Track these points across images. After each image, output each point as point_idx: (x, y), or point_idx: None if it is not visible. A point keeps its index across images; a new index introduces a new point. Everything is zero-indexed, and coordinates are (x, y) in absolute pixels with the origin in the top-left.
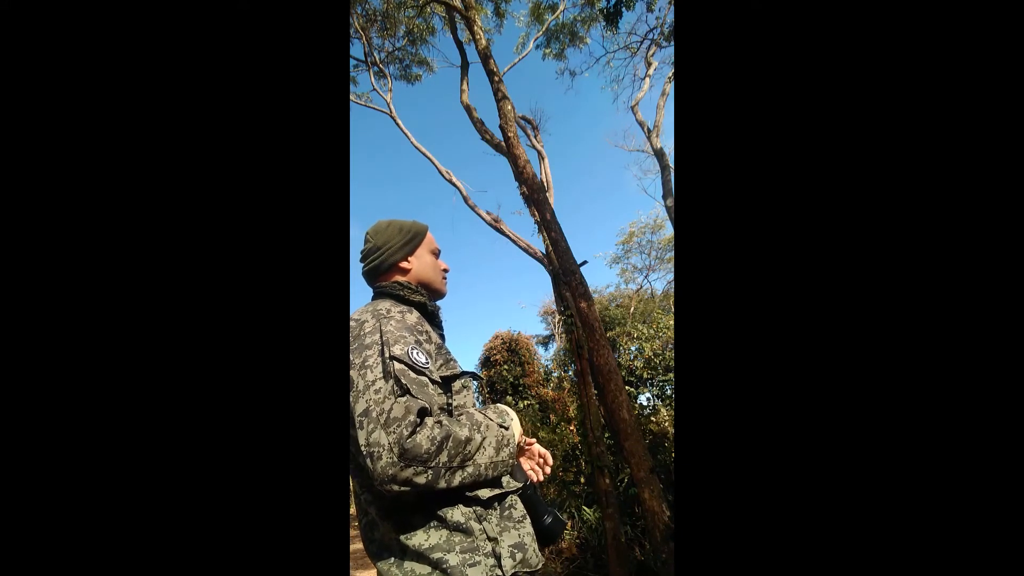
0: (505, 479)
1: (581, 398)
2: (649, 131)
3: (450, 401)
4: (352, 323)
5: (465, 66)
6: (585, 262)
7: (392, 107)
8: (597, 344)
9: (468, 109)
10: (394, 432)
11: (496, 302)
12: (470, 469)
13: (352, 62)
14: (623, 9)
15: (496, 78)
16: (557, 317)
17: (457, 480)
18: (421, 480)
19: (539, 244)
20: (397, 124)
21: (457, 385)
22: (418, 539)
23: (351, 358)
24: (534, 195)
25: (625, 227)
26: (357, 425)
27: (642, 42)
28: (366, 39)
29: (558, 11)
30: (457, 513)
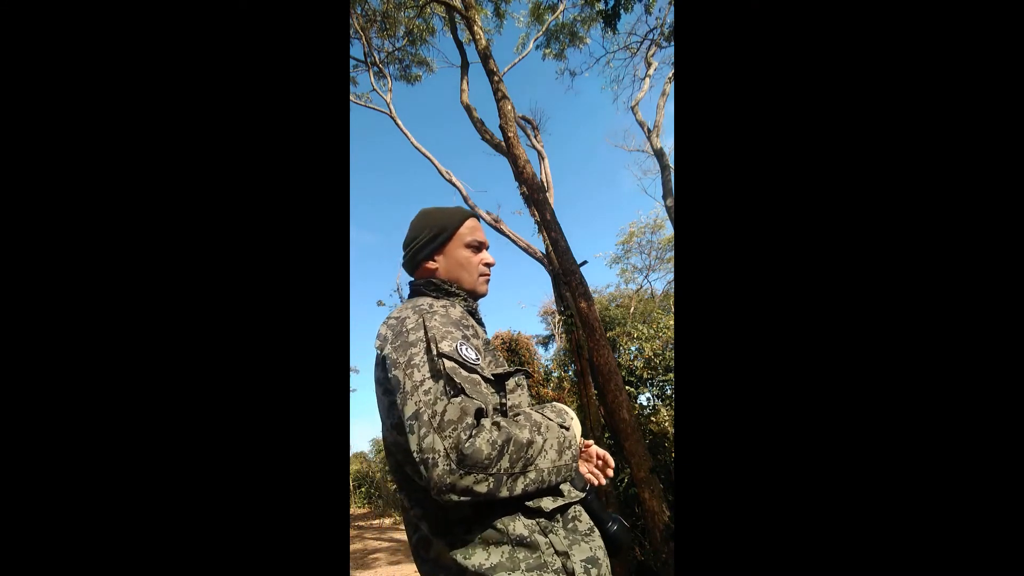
0: (566, 487)
1: (581, 398)
2: (649, 131)
3: (504, 401)
4: (392, 320)
5: (465, 66)
6: (585, 262)
7: (392, 107)
8: (597, 344)
9: (468, 109)
10: (450, 436)
11: (496, 302)
12: (532, 475)
13: (352, 62)
14: (621, 11)
15: (496, 78)
16: (557, 317)
17: (520, 487)
18: (482, 489)
19: (539, 244)
20: (397, 124)
21: (511, 383)
22: (478, 558)
23: (394, 357)
24: (534, 195)
25: (625, 227)
26: (407, 430)
27: (642, 42)
28: (366, 39)
29: (558, 11)
30: (519, 526)
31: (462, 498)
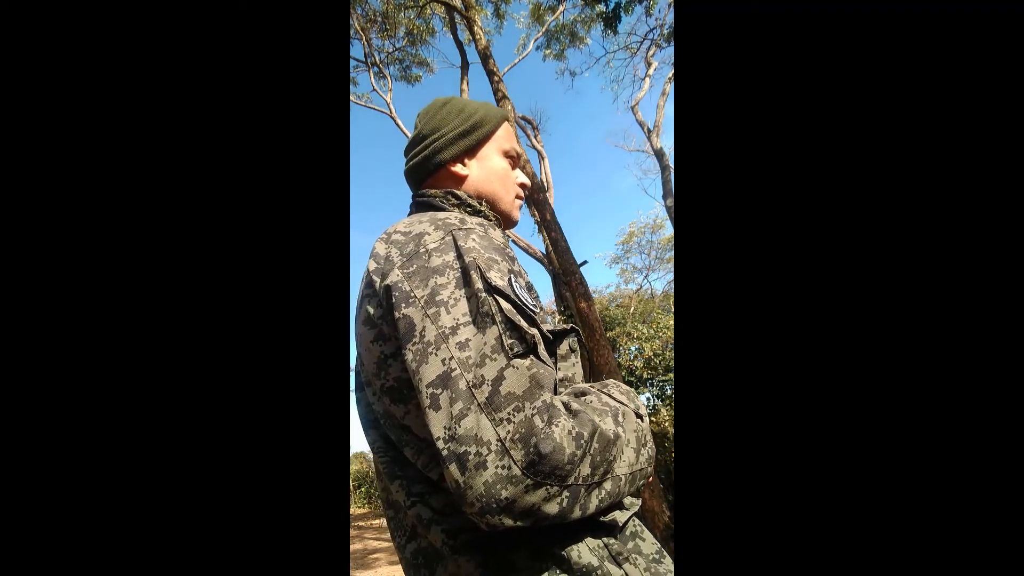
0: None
1: None
2: (649, 131)
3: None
4: (397, 236)
5: (465, 66)
6: (585, 262)
7: (392, 107)
8: (597, 344)
9: None
10: (510, 421)
11: None
12: (608, 486)
13: (352, 63)
14: (622, 13)
15: (496, 78)
16: (557, 317)
17: (594, 504)
18: (552, 509)
19: (539, 244)
20: (397, 124)
21: (563, 347)
22: None
23: (406, 287)
24: (534, 195)
25: (625, 227)
26: (426, 403)
27: (642, 43)
28: (366, 40)
29: (558, 12)
30: (584, 551)
31: (519, 523)
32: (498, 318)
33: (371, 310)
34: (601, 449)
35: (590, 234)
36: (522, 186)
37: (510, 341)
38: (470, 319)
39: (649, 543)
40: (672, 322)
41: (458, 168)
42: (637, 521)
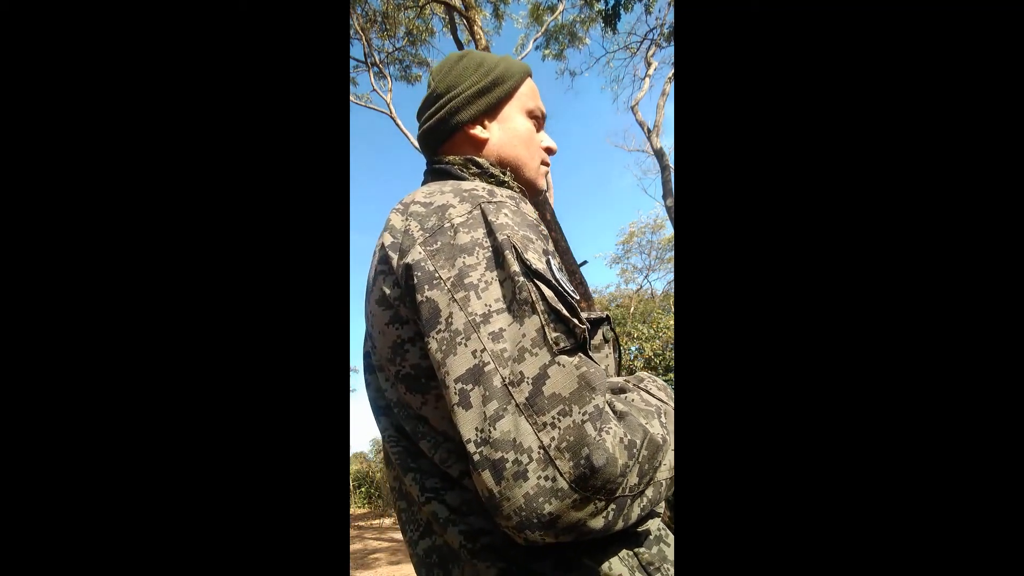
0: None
1: None
2: (649, 131)
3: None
4: (416, 207)
5: None
6: (585, 262)
7: (392, 108)
8: None
9: None
10: (556, 427)
11: None
12: (650, 493)
13: (352, 63)
14: (621, 11)
15: None
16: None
17: (636, 514)
18: (598, 524)
19: None
20: (397, 125)
21: (597, 337)
22: None
23: (429, 266)
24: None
25: (625, 227)
26: (455, 400)
27: (642, 42)
28: (366, 40)
29: (557, 12)
30: (616, 563)
31: (561, 538)
32: (539, 307)
33: (387, 290)
34: (650, 456)
35: (590, 234)
36: (547, 150)
37: (555, 335)
38: (504, 306)
39: (673, 548)
40: (672, 322)
41: (477, 131)
42: (661, 524)
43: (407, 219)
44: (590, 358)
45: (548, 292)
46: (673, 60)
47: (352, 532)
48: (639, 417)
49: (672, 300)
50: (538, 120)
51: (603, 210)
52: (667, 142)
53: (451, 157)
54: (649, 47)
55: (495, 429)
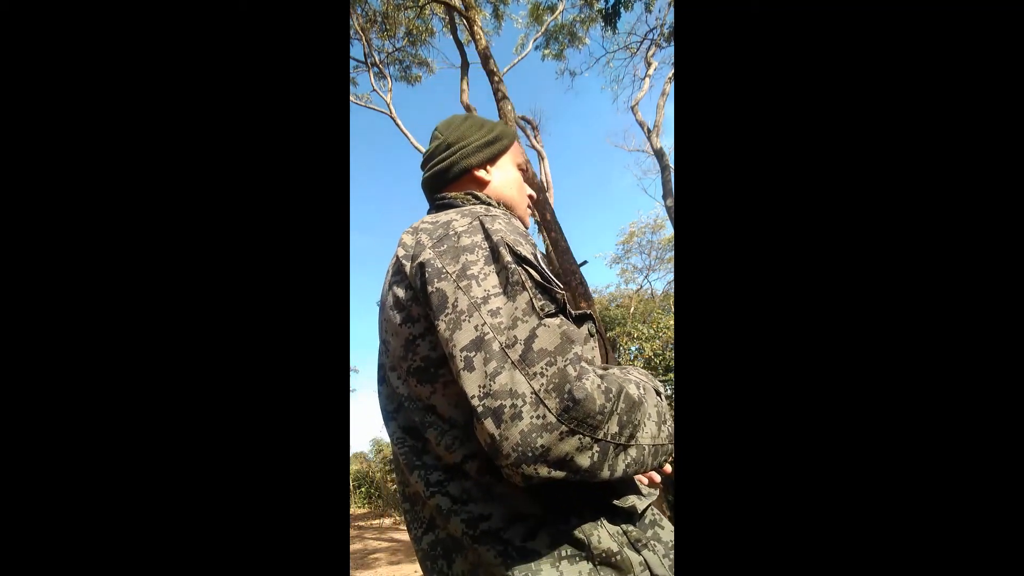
0: (642, 484)
1: None
2: (649, 131)
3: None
4: (425, 224)
5: (465, 66)
6: (585, 262)
7: (392, 108)
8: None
9: (468, 109)
10: (543, 374)
11: None
12: (633, 452)
13: (352, 63)
14: (621, 10)
15: (496, 78)
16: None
17: (621, 468)
18: (584, 461)
19: (539, 244)
20: (397, 125)
21: (583, 331)
22: None
23: (438, 264)
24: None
25: (625, 227)
26: (460, 366)
27: (642, 42)
28: (366, 40)
29: (557, 12)
30: (604, 536)
31: (554, 472)
32: (528, 284)
33: (400, 293)
34: (627, 409)
35: (590, 234)
36: (530, 196)
37: (541, 303)
38: (500, 290)
39: (668, 531)
40: (672, 322)
41: (482, 173)
42: (656, 511)
43: (417, 234)
44: (570, 319)
45: (534, 273)
46: (673, 60)
47: (352, 532)
48: (616, 378)
49: (672, 300)
50: (524, 172)
51: (603, 210)
52: (667, 142)
53: (454, 193)
54: (649, 47)
55: (495, 383)
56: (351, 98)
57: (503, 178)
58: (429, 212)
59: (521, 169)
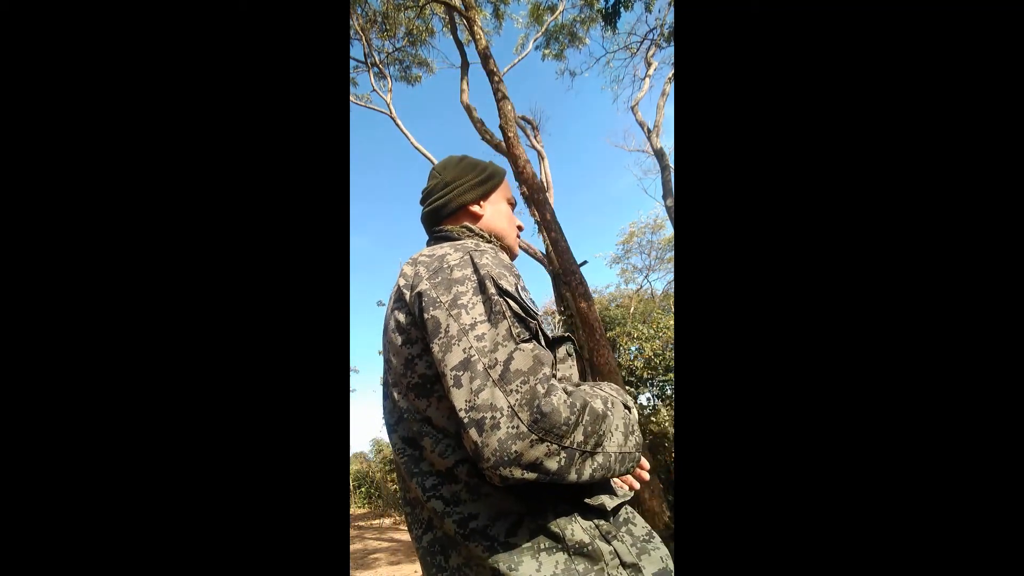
0: (620, 488)
1: None
2: (649, 131)
3: (554, 372)
4: (423, 258)
5: (465, 66)
6: (585, 262)
7: (392, 108)
8: (597, 344)
9: (468, 109)
10: (518, 391)
11: None
12: (600, 459)
13: (352, 63)
14: (621, 9)
15: (496, 78)
16: (557, 317)
17: (587, 472)
18: (552, 465)
19: (539, 244)
20: (397, 125)
21: (561, 351)
22: (527, 568)
23: (433, 294)
24: (534, 195)
25: (625, 227)
26: (451, 383)
27: (642, 42)
28: (366, 40)
29: (557, 12)
30: (578, 529)
31: (526, 474)
32: (507, 314)
33: (401, 318)
34: (592, 421)
35: (590, 234)
36: (519, 227)
37: (517, 330)
38: (485, 318)
39: (640, 527)
40: (672, 322)
41: (476, 208)
42: (630, 509)
43: (416, 266)
44: (543, 346)
45: (514, 304)
46: (673, 60)
47: (352, 532)
48: (583, 394)
49: (672, 300)
50: (512, 206)
51: (603, 210)
52: (667, 142)
53: (450, 226)
54: (649, 47)
55: (478, 398)
56: (351, 98)
57: (494, 212)
58: (428, 243)
59: (510, 203)
